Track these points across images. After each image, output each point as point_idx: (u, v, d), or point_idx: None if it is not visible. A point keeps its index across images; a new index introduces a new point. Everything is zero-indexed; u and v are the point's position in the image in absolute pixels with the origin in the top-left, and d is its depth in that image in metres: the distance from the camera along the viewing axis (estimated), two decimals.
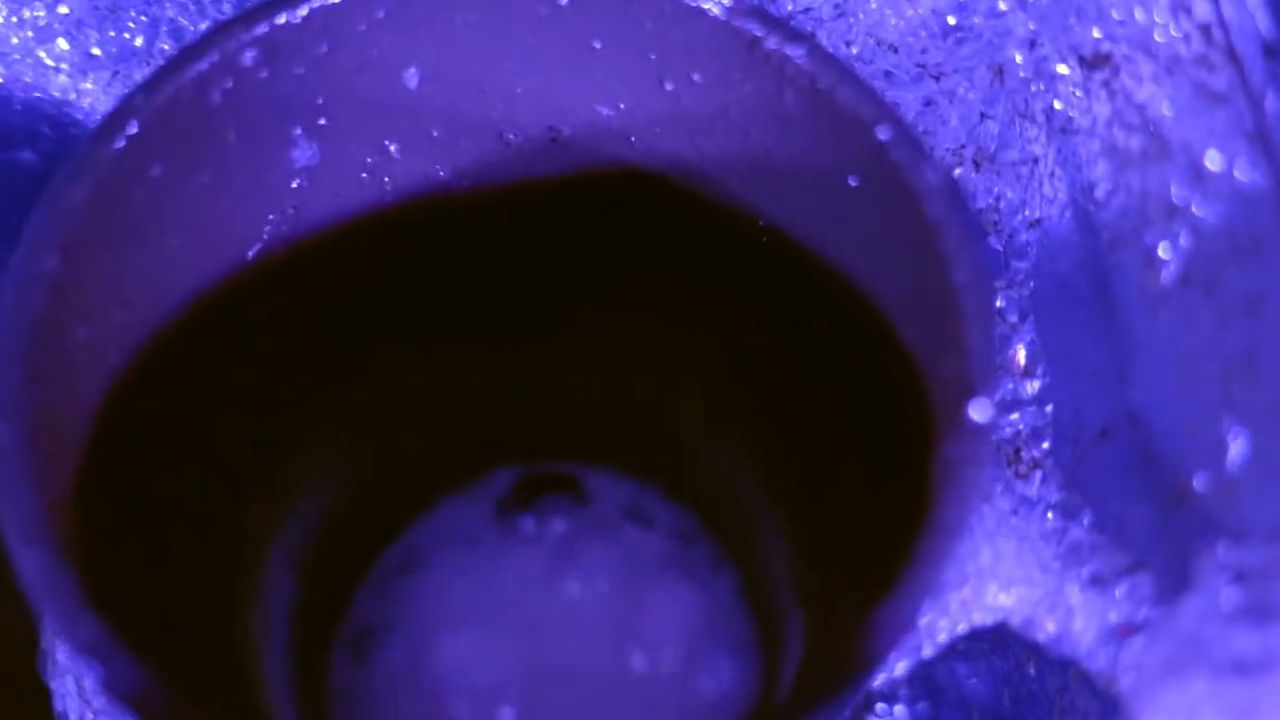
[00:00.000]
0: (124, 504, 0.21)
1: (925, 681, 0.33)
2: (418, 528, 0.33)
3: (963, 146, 0.24)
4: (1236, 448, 0.18)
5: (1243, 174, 0.18)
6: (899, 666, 0.27)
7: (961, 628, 0.21)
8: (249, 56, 0.20)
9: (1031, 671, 0.24)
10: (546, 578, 0.33)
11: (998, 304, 0.23)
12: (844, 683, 0.18)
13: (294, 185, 0.23)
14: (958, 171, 0.24)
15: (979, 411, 0.18)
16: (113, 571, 0.19)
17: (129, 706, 0.15)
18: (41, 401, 0.18)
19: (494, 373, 0.29)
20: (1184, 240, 0.19)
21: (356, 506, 0.32)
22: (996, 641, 0.27)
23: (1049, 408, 0.23)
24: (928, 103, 0.25)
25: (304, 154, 0.23)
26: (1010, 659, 0.26)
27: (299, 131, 0.22)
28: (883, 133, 0.20)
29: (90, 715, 0.21)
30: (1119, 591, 0.20)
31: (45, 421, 0.18)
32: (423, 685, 0.32)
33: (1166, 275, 0.20)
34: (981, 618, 0.22)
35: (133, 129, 0.19)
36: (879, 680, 0.35)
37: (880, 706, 0.34)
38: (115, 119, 0.19)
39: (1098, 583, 0.21)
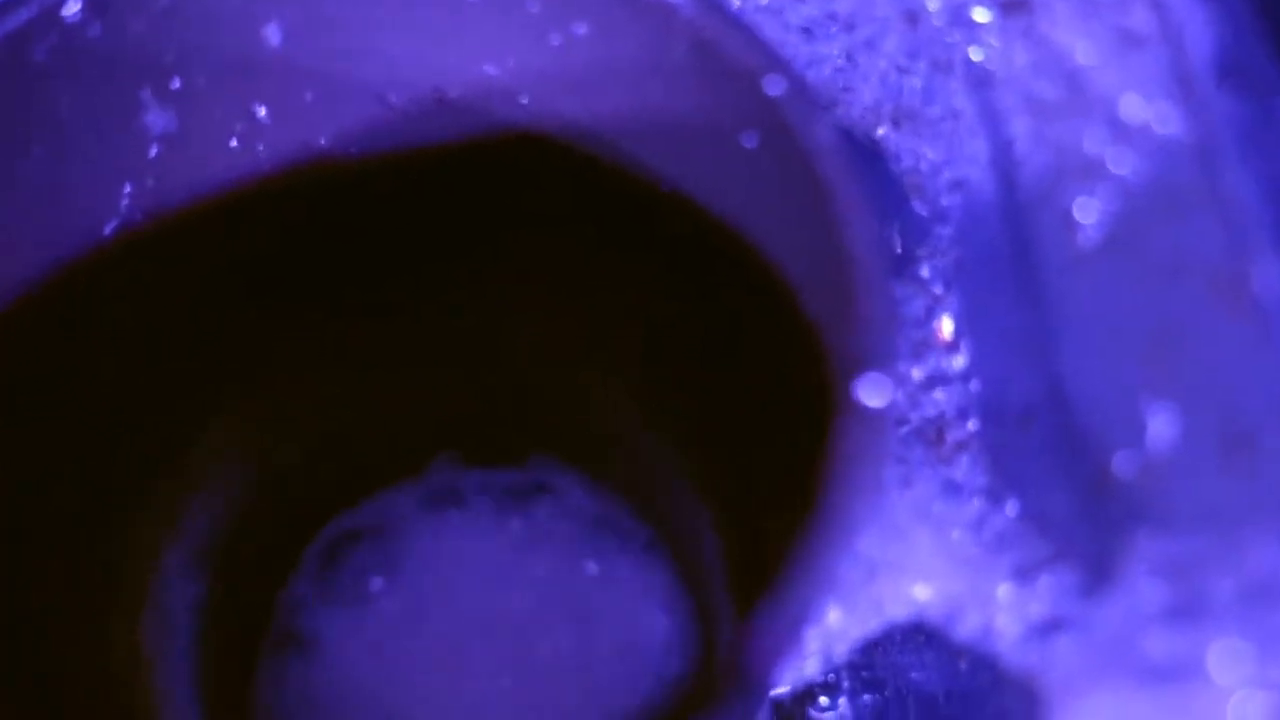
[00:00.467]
0: None
1: (868, 674, 0.31)
2: (336, 522, 0.32)
3: (882, 103, 0.22)
4: (1160, 426, 0.16)
5: (1163, 124, 0.17)
6: (823, 659, 0.26)
7: (875, 625, 0.20)
8: (73, 10, 0.18)
9: (963, 667, 0.23)
10: (473, 566, 0.31)
11: (923, 274, 0.22)
12: (728, 694, 0.16)
13: (151, 154, 0.22)
14: (881, 131, 0.23)
15: (871, 393, 0.16)
16: None
17: None
18: None
19: (390, 353, 0.27)
20: (1104, 198, 0.18)
21: (264, 503, 0.30)
22: (931, 636, 0.25)
23: (974, 384, 0.21)
24: (848, 57, 0.23)
25: (158, 120, 0.21)
26: (945, 654, 0.24)
27: (148, 94, 0.21)
28: (772, 86, 0.18)
29: None
30: (1042, 585, 0.19)
31: None
32: (348, 688, 0.30)
33: (1087, 236, 0.18)
34: (902, 613, 0.20)
35: None
36: (819, 674, 0.33)
37: (823, 700, 0.33)
38: None
39: (1021, 575, 0.19)
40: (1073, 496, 0.19)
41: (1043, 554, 0.19)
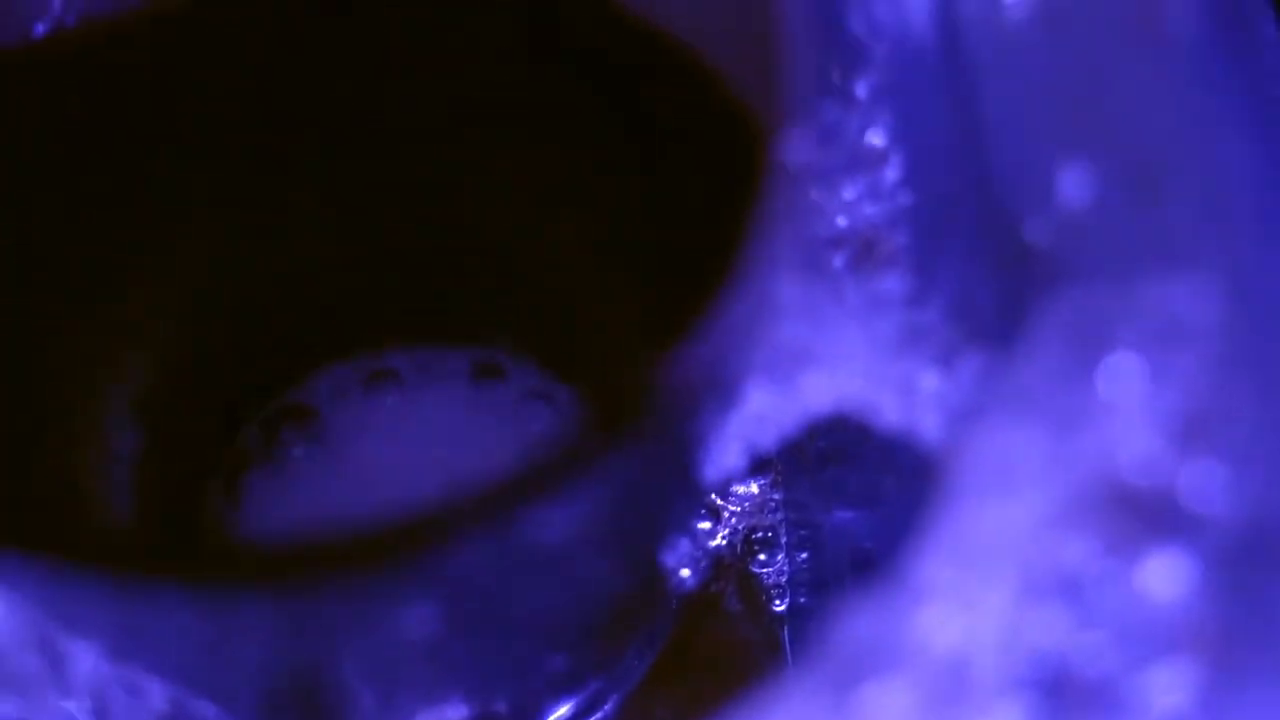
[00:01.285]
0: None
1: (806, 531, 0.31)
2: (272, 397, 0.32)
3: None
4: (1071, 185, 0.16)
5: None
6: (746, 446, 0.26)
7: (798, 413, 0.20)
8: None
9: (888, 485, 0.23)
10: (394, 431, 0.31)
11: (858, 93, 0.22)
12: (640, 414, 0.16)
13: None
14: None
15: (793, 150, 0.16)
16: None
17: None
18: None
19: (332, 200, 0.27)
20: None
21: (200, 364, 0.30)
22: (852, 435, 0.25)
23: (905, 196, 0.21)
24: None
25: None
26: (868, 475, 0.24)
27: None
28: None
29: None
30: (960, 370, 0.19)
31: None
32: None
33: (1013, 12, 0.18)
34: (824, 402, 0.21)
35: None
36: (757, 532, 0.33)
37: (762, 556, 0.33)
38: None
39: (939, 363, 0.19)
40: (991, 277, 0.19)
41: (960, 341, 0.19)
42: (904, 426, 0.20)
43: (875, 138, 0.22)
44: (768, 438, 0.21)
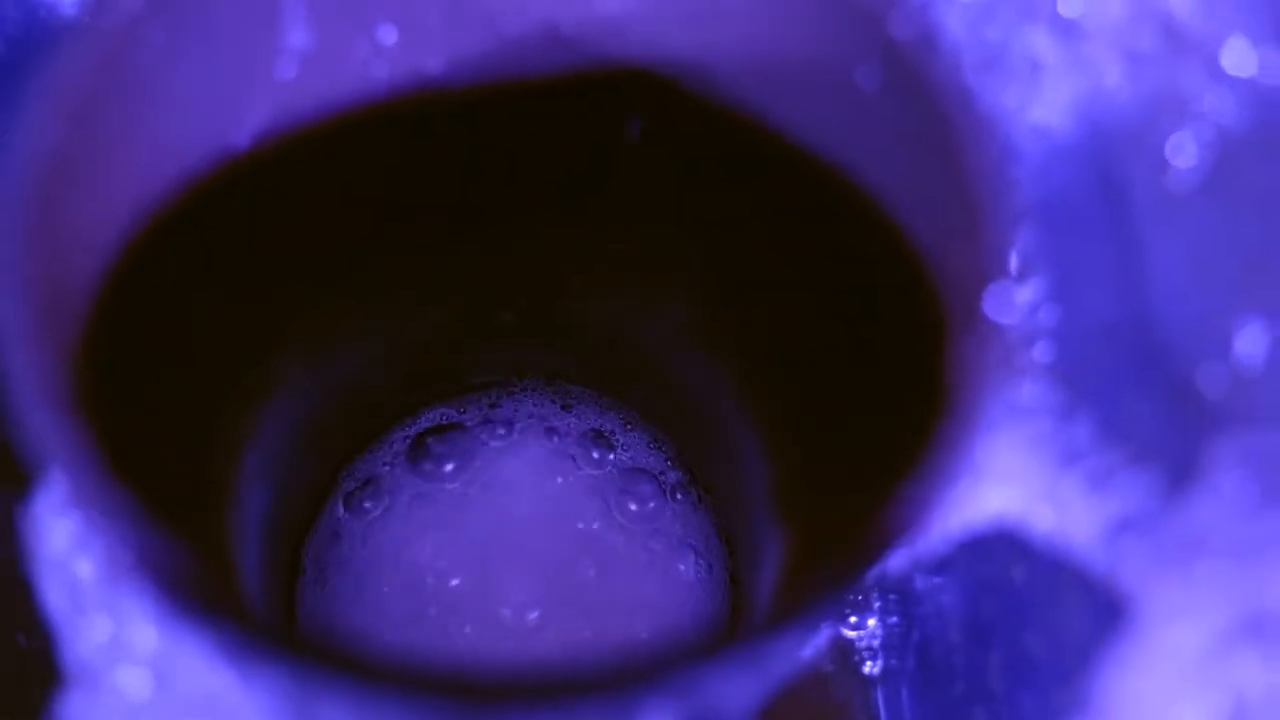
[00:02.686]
0: (111, 393, 0.21)
1: (900, 593, 0.33)
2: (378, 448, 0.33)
3: (964, 51, 0.24)
4: (1250, 339, 0.18)
5: (1260, 70, 0.19)
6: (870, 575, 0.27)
7: (962, 521, 0.22)
8: None
9: (1017, 577, 0.25)
10: (514, 489, 0.33)
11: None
12: (837, 584, 0.18)
13: (285, 71, 0.23)
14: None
15: (998, 301, 0.18)
16: (108, 456, 0.19)
17: (159, 577, 0.15)
18: (43, 279, 0.17)
19: (478, 281, 0.28)
20: (1199, 138, 0.19)
21: (328, 416, 0.32)
22: (981, 548, 0.27)
23: (1050, 311, 0.23)
24: (924, 7, 0.24)
25: (300, 38, 0.22)
26: (996, 564, 0.26)
27: (297, 12, 0.22)
28: (895, 26, 0.20)
29: (86, 604, 0.20)
30: (1120, 486, 0.20)
31: (48, 299, 0.17)
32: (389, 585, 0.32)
33: (1180, 174, 0.20)
34: (975, 516, 0.22)
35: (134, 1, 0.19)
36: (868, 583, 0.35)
37: (853, 619, 0.35)
38: None
39: (1096, 479, 0.21)
40: (1154, 407, 0.20)
41: (1119, 459, 0.21)
42: (1054, 538, 0.22)
43: (1015, 255, 0.23)
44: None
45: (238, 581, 0.27)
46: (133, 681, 0.19)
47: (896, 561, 0.26)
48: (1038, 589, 0.24)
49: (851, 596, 0.25)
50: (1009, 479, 0.22)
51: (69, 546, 0.21)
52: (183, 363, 0.25)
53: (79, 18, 0.19)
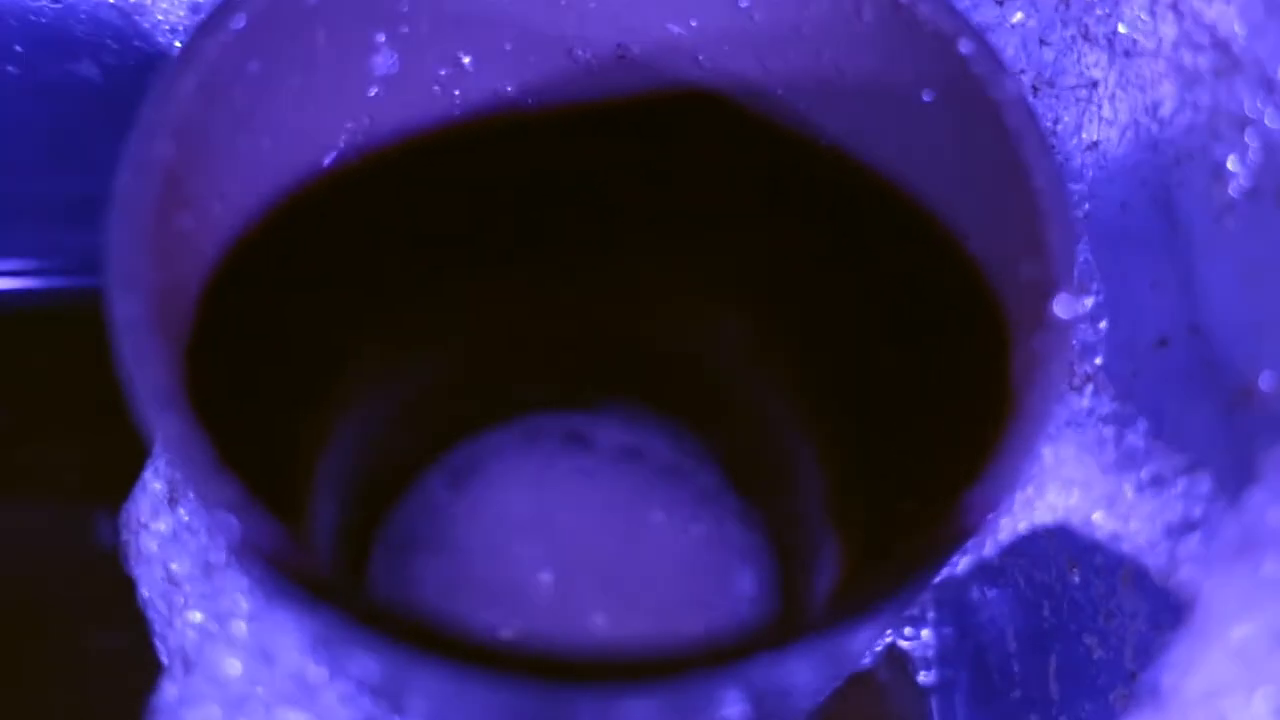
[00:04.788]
0: (210, 400, 0.22)
1: (953, 605, 0.34)
2: (450, 456, 0.34)
3: (1021, 72, 0.25)
4: None
5: None
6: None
7: (1023, 526, 0.22)
8: None
9: (1075, 579, 0.25)
10: (577, 501, 0.33)
11: None
12: (932, 560, 0.19)
13: (371, 94, 0.24)
14: None
15: (1064, 307, 0.19)
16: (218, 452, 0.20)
17: (269, 564, 0.16)
18: (157, 285, 0.18)
19: (547, 299, 0.29)
20: (1254, 152, 0.20)
21: (398, 429, 0.32)
22: (1037, 553, 0.27)
23: (1102, 324, 0.24)
24: (984, 29, 0.25)
25: (384, 62, 0.23)
26: (1052, 569, 0.27)
27: (382, 39, 0.23)
28: (964, 46, 0.21)
29: (181, 598, 0.21)
30: (1177, 490, 0.21)
31: (160, 304, 0.18)
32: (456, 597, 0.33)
33: (1234, 187, 0.21)
34: (1039, 518, 0.23)
35: (239, 23, 0.20)
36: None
37: (908, 630, 0.35)
38: (223, 12, 0.19)
39: (1155, 483, 0.21)
40: (1209, 415, 0.21)
41: (1177, 464, 0.21)
42: (1114, 539, 0.22)
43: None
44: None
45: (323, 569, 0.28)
46: (230, 664, 0.20)
47: (954, 569, 0.27)
48: (1095, 593, 0.25)
49: (915, 598, 0.26)
50: (1067, 484, 0.22)
51: (163, 544, 0.22)
52: (272, 367, 0.26)
53: (184, 43, 0.20)
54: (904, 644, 0.34)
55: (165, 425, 0.16)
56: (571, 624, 0.32)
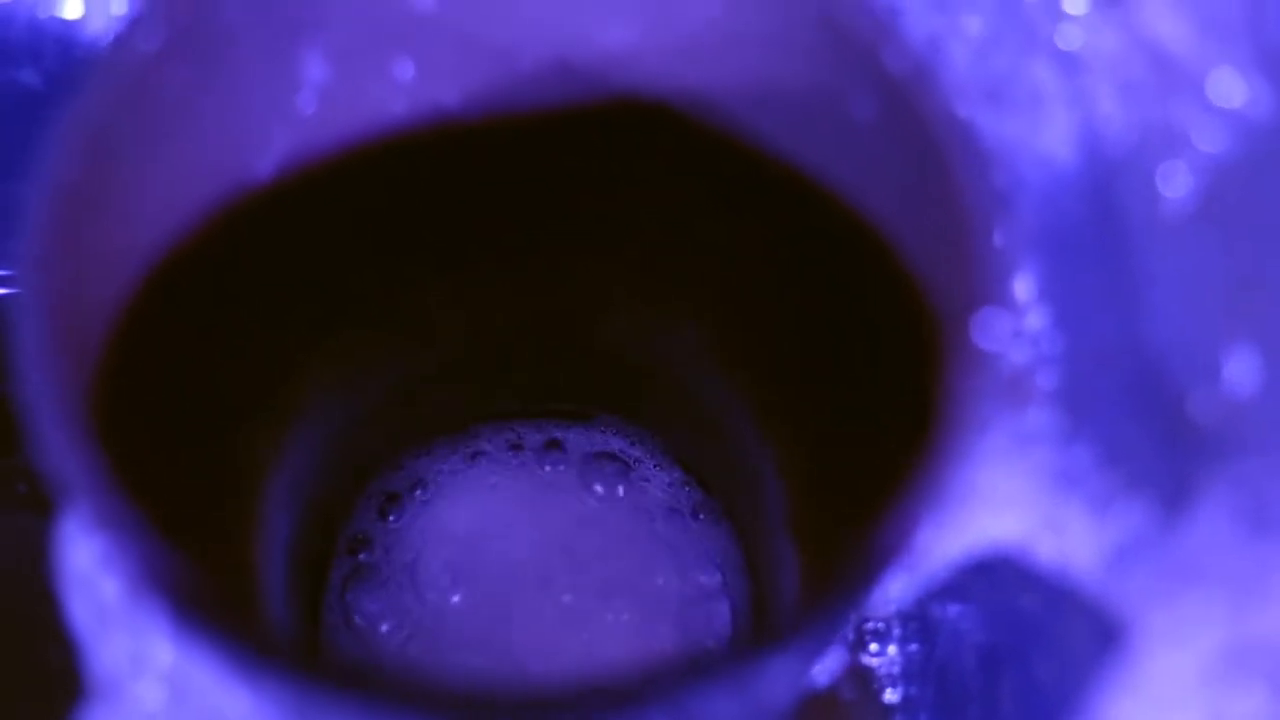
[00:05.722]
0: (130, 420, 0.21)
1: (918, 620, 0.33)
2: (402, 469, 0.34)
3: (966, 84, 0.25)
4: (1242, 367, 0.18)
5: (1250, 102, 0.19)
6: (890, 602, 0.28)
7: (955, 553, 0.22)
8: None
9: (1026, 603, 0.25)
10: (532, 510, 0.33)
11: (996, 241, 0.24)
12: (830, 607, 0.18)
13: (304, 106, 0.23)
14: (962, 111, 0.25)
15: (984, 330, 0.18)
16: (126, 480, 0.19)
17: (173, 595, 0.16)
18: (64, 302, 0.18)
19: (497, 308, 0.29)
20: (1191, 171, 0.20)
21: (349, 443, 0.32)
22: (992, 575, 0.27)
23: (1052, 341, 0.23)
24: (934, 39, 0.25)
25: (316, 73, 0.23)
26: (1005, 591, 0.26)
27: (314, 51, 0.23)
28: (892, 60, 0.20)
29: (107, 623, 0.21)
30: (1117, 512, 0.21)
31: (66, 326, 0.18)
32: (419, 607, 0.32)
33: (1173, 204, 0.20)
34: (975, 543, 0.23)
35: (158, 36, 0.19)
36: (873, 621, 0.35)
37: (874, 647, 0.35)
38: (142, 24, 0.19)
39: (1096, 505, 0.21)
40: (1151, 434, 0.21)
41: (1117, 485, 0.21)
42: (1056, 565, 0.22)
43: (1020, 284, 0.24)
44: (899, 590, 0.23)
45: (259, 601, 0.27)
46: (151, 695, 0.20)
47: (911, 588, 0.26)
48: (1045, 615, 0.24)
49: (850, 618, 0.26)
50: (1013, 504, 0.22)
51: (94, 565, 0.22)
52: (203, 389, 0.25)
53: (101, 53, 0.19)
54: (870, 661, 0.34)
55: (66, 455, 0.16)
56: (521, 642, 0.32)
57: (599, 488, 0.33)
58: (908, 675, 0.33)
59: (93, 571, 0.22)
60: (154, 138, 0.20)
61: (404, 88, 0.24)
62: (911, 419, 0.19)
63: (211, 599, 0.18)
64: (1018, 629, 0.26)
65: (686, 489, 0.34)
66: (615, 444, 0.34)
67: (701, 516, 0.34)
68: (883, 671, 0.33)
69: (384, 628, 0.33)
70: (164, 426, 0.23)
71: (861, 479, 0.21)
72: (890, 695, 0.33)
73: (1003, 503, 0.22)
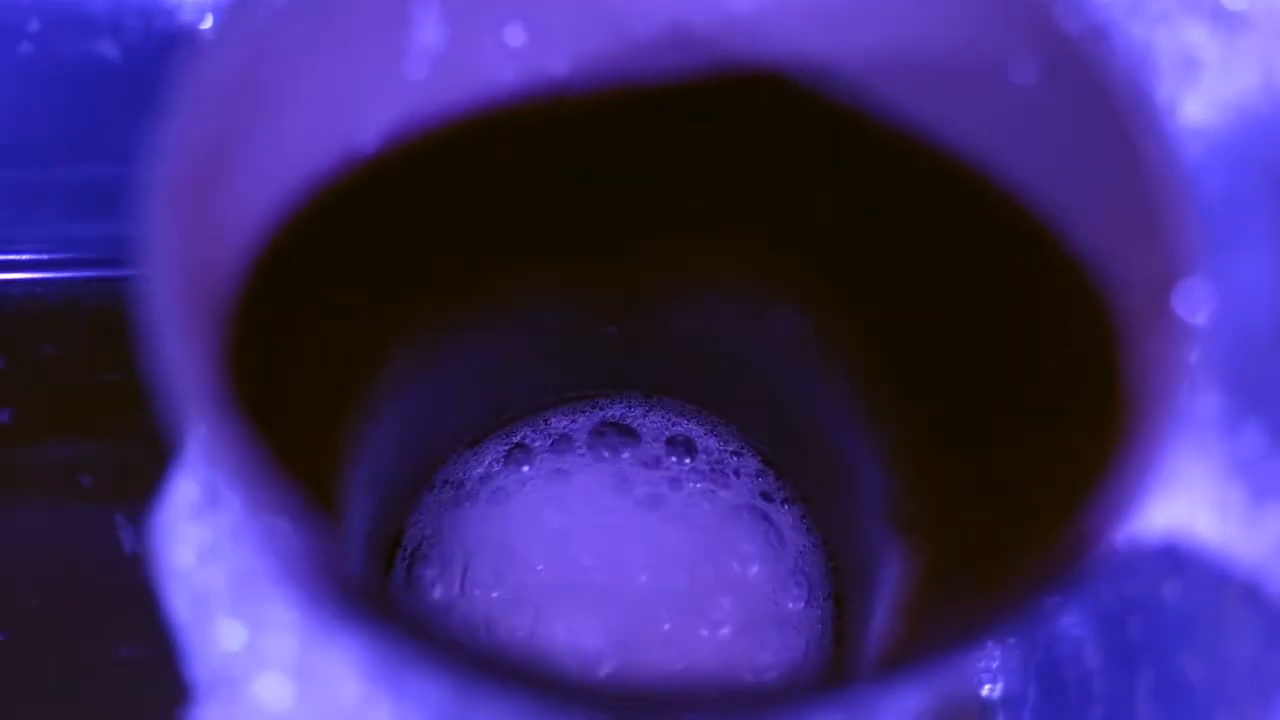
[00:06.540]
0: (250, 401, 0.20)
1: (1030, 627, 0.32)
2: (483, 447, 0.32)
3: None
4: None
5: None
6: None
7: (1125, 536, 0.21)
8: None
9: (1170, 592, 0.24)
10: (610, 502, 0.32)
11: None
12: (1037, 584, 0.17)
13: (416, 71, 0.22)
14: None
15: (1187, 300, 0.17)
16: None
17: (314, 572, 0.14)
18: (197, 276, 0.17)
19: (593, 288, 0.28)
20: None
21: (431, 426, 0.31)
22: (1118, 563, 0.26)
23: (1210, 319, 0.22)
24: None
25: (430, 35, 0.22)
26: (1143, 581, 0.25)
27: (428, 11, 0.21)
28: (1065, 18, 0.19)
29: (215, 615, 0.20)
30: None
31: (201, 297, 0.17)
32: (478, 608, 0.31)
33: None
34: (1143, 529, 0.21)
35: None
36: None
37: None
38: None
39: (1265, 490, 0.20)
40: None
41: None
42: (1223, 553, 0.21)
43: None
44: None
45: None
46: (272, 692, 0.18)
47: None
48: (1194, 607, 0.23)
49: (1006, 634, 0.24)
50: (1177, 490, 0.21)
51: (197, 555, 0.21)
52: (309, 367, 0.24)
53: (223, 16, 0.18)
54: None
55: (210, 428, 0.15)
56: (628, 634, 0.31)
57: (677, 475, 0.32)
58: (1008, 670, 0.31)
59: (196, 562, 0.21)
60: (278, 101, 0.19)
61: (514, 54, 0.23)
62: (1093, 410, 0.18)
63: (349, 577, 0.16)
64: (1158, 621, 0.25)
65: (761, 478, 0.33)
66: (692, 430, 0.32)
67: (785, 508, 0.32)
68: (980, 665, 0.32)
69: (452, 618, 0.32)
70: (272, 409, 0.21)
71: (1023, 474, 0.20)
72: (990, 691, 0.32)
73: (1167, 489, 0.20)
